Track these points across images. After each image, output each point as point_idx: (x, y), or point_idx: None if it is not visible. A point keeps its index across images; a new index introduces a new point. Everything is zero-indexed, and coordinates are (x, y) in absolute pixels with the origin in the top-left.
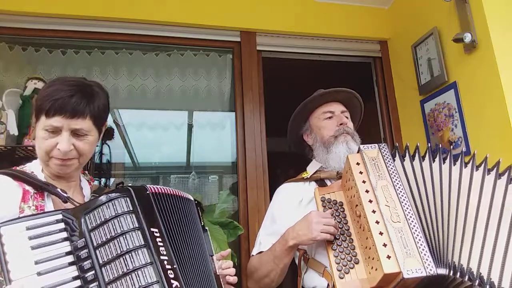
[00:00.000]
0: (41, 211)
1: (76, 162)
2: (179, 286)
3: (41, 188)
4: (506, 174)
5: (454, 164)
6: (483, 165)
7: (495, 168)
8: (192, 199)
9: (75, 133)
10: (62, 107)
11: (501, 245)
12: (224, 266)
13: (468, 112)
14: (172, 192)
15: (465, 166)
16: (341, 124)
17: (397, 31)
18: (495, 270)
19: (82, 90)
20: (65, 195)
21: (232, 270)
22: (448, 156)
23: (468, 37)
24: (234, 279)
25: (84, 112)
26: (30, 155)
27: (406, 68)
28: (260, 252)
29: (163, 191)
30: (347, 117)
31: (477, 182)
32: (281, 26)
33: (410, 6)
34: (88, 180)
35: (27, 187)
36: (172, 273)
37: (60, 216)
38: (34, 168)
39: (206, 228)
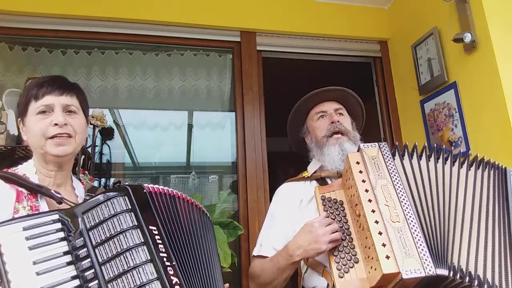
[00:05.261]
0: (37, 212)
1: (73, 141)
2: (179, 282)
3: (34, 190)
4: (481, 165)
5: (445, 163)
6: (466, 161)
7: (474, 162)
8: (205, 211)
9: (67, 110)
10: (50, 86)
11: (499, 244)
12: None
13: (468, 112)
14: (169, 192)
15: (453, 164)
16: (332, 122)
17: (397, 31)
18: (494, 271)
19: (61, 77)
20: (59, 196)
21: None
22: (441, 155)
23: (468, 37)
24: None
25: (71, 89)
26: (30, 155)
27: (406, 68)
28: (261, 256)
29: (160, 191)
30: (341, 114)
31: (463, 178)
32: (281, 26)
33: (410, 6)
34: (80, 179)
35: (20, 188)
36: (172, 269)
37: (56, 216)
38: (27, 170)
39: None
